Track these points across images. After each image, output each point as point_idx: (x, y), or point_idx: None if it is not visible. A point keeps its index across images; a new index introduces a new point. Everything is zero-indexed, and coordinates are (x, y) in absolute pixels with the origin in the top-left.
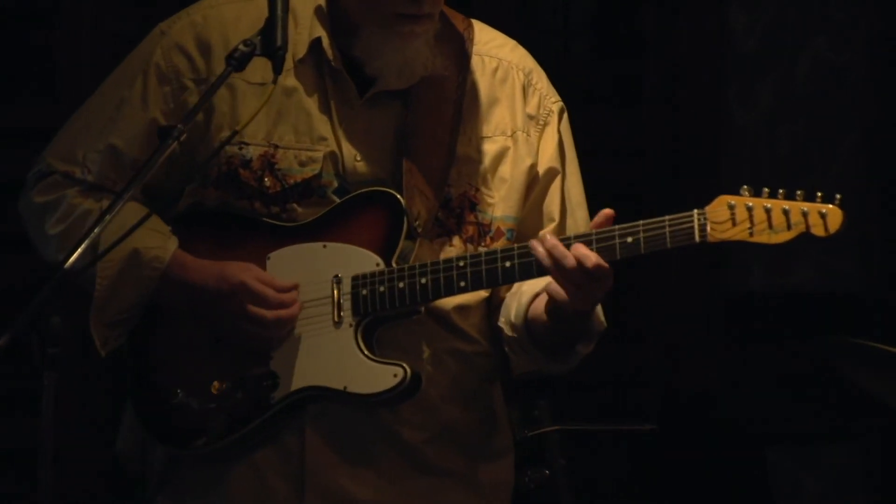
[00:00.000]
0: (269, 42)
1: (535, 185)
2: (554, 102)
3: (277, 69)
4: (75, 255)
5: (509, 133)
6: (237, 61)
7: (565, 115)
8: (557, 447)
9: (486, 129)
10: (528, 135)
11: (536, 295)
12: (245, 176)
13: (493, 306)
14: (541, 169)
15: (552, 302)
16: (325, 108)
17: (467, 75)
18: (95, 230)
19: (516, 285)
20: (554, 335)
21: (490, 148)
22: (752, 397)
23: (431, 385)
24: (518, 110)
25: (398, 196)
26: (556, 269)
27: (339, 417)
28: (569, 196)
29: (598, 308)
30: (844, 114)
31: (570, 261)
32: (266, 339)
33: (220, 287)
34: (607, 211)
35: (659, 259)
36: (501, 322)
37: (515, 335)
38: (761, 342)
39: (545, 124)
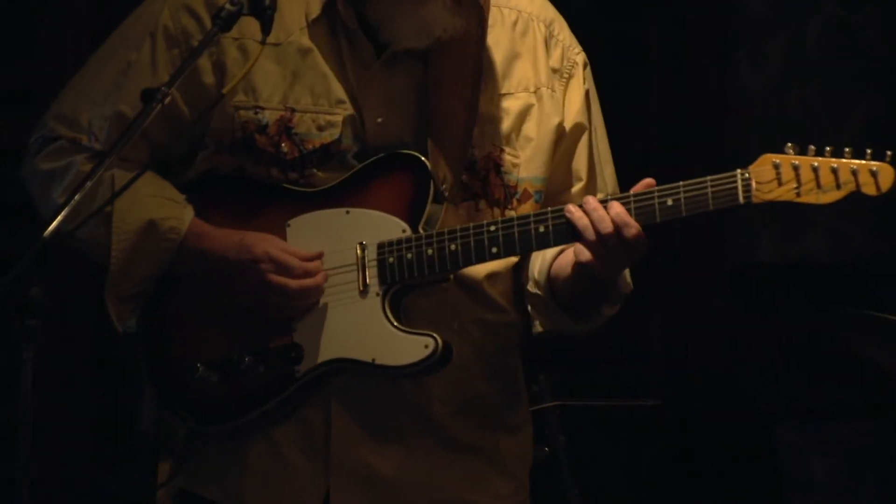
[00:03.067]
0: (258, 1)
1: (562, 142)
2: (577, 53)
3: (266, 29)
4: (54, 225)
5: (532, 89)
6: (223, 21)
7: (588, 67)
8: (557, 424)
9: (508, 86)
10: (553, 90)
11: (561, 251)
12: (261, 142)
13: (520, 270)
14: (567, 125)
15: (579, 264)
16: (341, 70)
17: (486, 29)
18: (76, 197)
19: None
20: (577, 296)
21: (513, 105)
22: (759, 373)
23: (456, 356)
24: (541, 64)
25: (423, 158)
26: (592, 234)
27: (364, 391)
28: (597, 153)
29: (625, 272)
30: (858, 76)
31: (607, 225)
32: (290, 310)
33: (241, 256)
34: (648, 180)
35: (662, 227)
36: (523, 279)
37: (539, 293)
38: (770, 315)
39: (570, 77)
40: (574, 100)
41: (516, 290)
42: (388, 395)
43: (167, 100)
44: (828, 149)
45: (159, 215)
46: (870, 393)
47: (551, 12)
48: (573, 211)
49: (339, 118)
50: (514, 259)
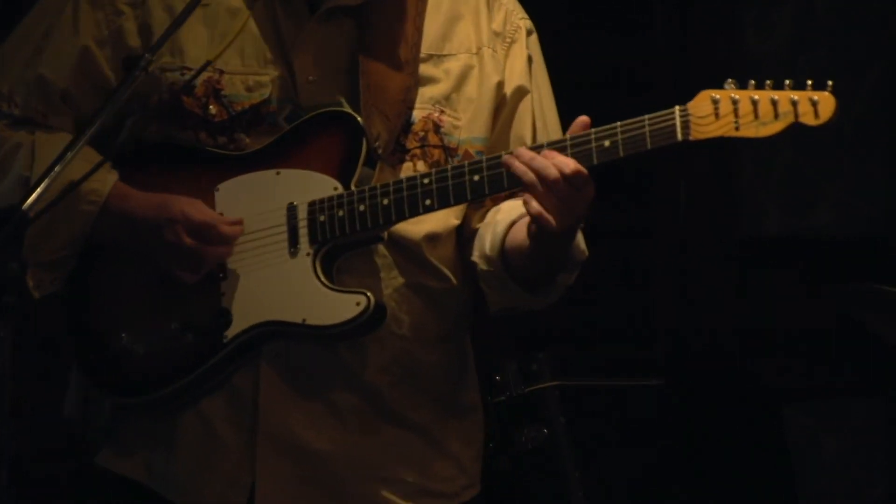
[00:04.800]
0: None
1: (503, 107)
2: (521, 19)
3: None
4: (34, 196)
5: (474, 50)
6: None
7: (534, 35)
8: (557, 404)
9: (449, 47)
10: (495, 51)
11: (512, 223)
12: (189, 104)
13: (464, 239)
14: (508, 88)
15: (535, 224)
16: (273, 29)
17: None
18: (56, 168)
19: (490, 214)
20: (534, 264)
21: (454, 66)
22: (768, 351)
23: (395, 323)
24: (483, 26)
25: (355, 116)
26: (537, 181)
27: (297, 358)
28: (542, 118)
29: (580, 235)
30: (869, 42)
31: (552, 171)
32: (198, 275)
33: (160, 216)
34: (583, 118)
35: (667, 200)
36: (475, 257)
37: (491, 269)
38: (778, 290)
39: (512, 41)
40: (516, 64)
41: (458, 258)
42: (323, 362)
43: (151, 66)
44: (768, 82)
45: (80, 177)
46: (881, 371)
47: None
48: (511, 161)
49: (267, 78)
50: (454, 222)
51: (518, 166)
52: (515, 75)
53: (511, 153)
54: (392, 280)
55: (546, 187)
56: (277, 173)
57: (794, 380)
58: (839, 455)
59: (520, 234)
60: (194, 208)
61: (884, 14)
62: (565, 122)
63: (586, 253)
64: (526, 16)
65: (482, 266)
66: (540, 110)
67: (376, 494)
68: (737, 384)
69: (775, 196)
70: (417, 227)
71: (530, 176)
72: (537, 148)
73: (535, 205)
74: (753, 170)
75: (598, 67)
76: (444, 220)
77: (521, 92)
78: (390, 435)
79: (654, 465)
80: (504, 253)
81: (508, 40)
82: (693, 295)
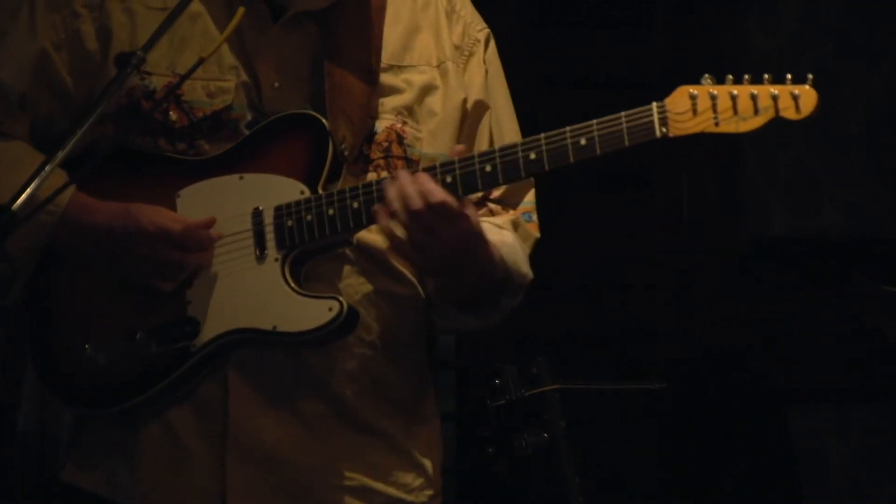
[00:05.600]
0: None
1: (465, 122)
2: (479, 31)
3: None
4: (22, 198)
5: (435, 63)
6: None
7: (492, 43)
8: (558, 408)
9: (410, 58)
10: (458, 66)
11: None
12: (147, 108)
13: None
14: (469, 104)
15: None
16: (235, 34)
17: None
18: (46, 168)
19: None
20: (451, 296)
21: (416, 78)
22: (772, 353)
23: (364, 330)
24: (444, 39)
25: (320, 118)
26: (399, 209)
27: (264, 366)
28: (498, 132)
29: (520, 255)
30: (877, 38)
31: (415, 201)
32: (178, 283)
33: (128, 228)
34: (459, 147)
35: (669, 199)
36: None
37: (429, 291)
38: (784, 292)
39: (470, 55)
40: (475, 78)
41: None
42: (290, 370)
43: (143, 65)
44: (746, 76)
45: (38, 186)
46: (889, 374)
47: None
48: (389, 190)
49: (231, 84)
50: None
51: (390, 191)
52: (474, 90)
53: (393, 176)
54: (360, 286)
55: (409, 216)
56: (241, 178)
57: (799, 382)
58: (845, 459)
59: None
60: (164, 217)
61: (891, 9)
62: (565, 119)
63: (529, 276)
64: (484, 25)
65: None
66: (497, 125)
67: (343, 502)
68: (740, 387)
69: (780, 196)
70: (381, 235)
71: (395, 205)
72: (431, 170)
73: (396, 235)
74: (758, 169)
75: (592, 69)
76: None
77: (480, 107)
78: (357, 443)
79: (657, 470)
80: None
81: (467, 54)
82: (696, 296)
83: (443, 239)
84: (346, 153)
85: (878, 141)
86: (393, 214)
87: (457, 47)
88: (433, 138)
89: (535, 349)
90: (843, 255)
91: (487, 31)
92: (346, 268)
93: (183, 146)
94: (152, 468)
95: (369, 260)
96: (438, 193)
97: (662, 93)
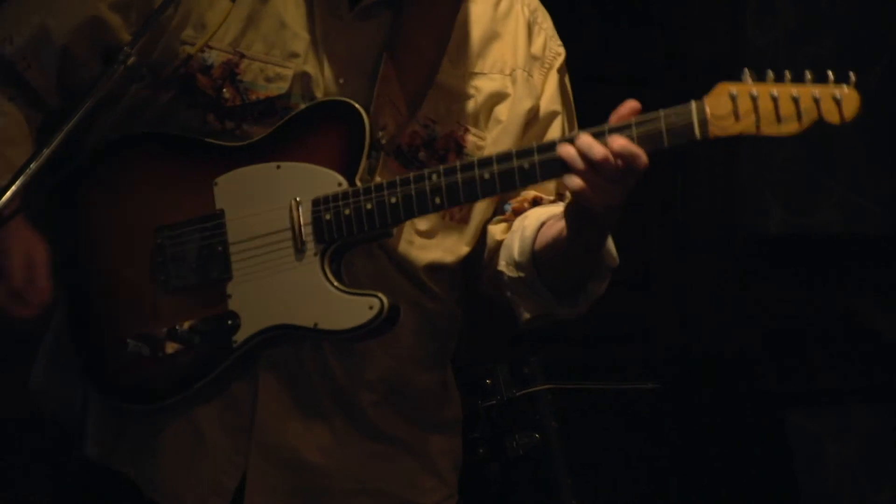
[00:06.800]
0: None
1: (531, 127)
2: (559, 46)
3: None
4: (10, 192)
5: (508, 72)
6: None
7: (565, 66)
8: (549, 408)
9: (483, 65)
10: (531, 75)
11: (542, 224)
12: (202, 83)
13: (486, 256)
14: (541, 112)
15: (572, 205)
16: (308, 20)
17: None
18: (32, 165)
19: (517, 222)
20: (567, 261)
21: (486, 85)
22: (770, 353)
23: (391, 340)
24: (521, 48)
25: (355, 105)
26: (581, 163)
27: (294, 369)
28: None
29: (610, 243)
30: (876, 34)
31: (597, 149)
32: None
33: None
34: (633, 103)
35: (666, 196)
36: (501, 266)
37: (521, 274)
38: (781, 291)
39: (551, 67)
40: (551, 89)
41: (459, 285)
42: (317, 373)
43: (130, 61)
44: (787, 72)
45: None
46: (888, 375)
47: (536, 1)
48: (565, 147)
49: (289, 72)
50: (464, 250)
51: (570, 151)
52: (548, 99)
53: (564, 142)
54: (393, 294)
55: (589, 164)
56: (278, 167)
57: (796, 384)
58: (844, 462)
59: (552, 230)
60: (17, 259)
61: (891, 6)
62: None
63: (617, 260)
64: (562, 44)
65: (510, 274)
66: (568, 132)
67: None
68: (737, 388)
69: (777, 193)
70: (422, 253)
71: (573, 154)
72: (569, 138)
73: (576, 181)
74: (754, 167)
75: (590, 65)
76: (452, 248)
77: (552, 115)
78: (377, 449)
79: (650, 472)
80: (535, 255)
81: (547, 65)
82: (692, 295)
83: (620, 182)
84: (383, 141)
85: (876, 138)
86: (573, 170)
87: (535, 58)
88: (494, 146)
89: (528, 348)
90: (840, 254)
91: (564, 51)
92: (378, 276)
93: (231, 125)
94: (171, 459)
95: (403, 274)
96: (620, 140)
97: (659, 89)
